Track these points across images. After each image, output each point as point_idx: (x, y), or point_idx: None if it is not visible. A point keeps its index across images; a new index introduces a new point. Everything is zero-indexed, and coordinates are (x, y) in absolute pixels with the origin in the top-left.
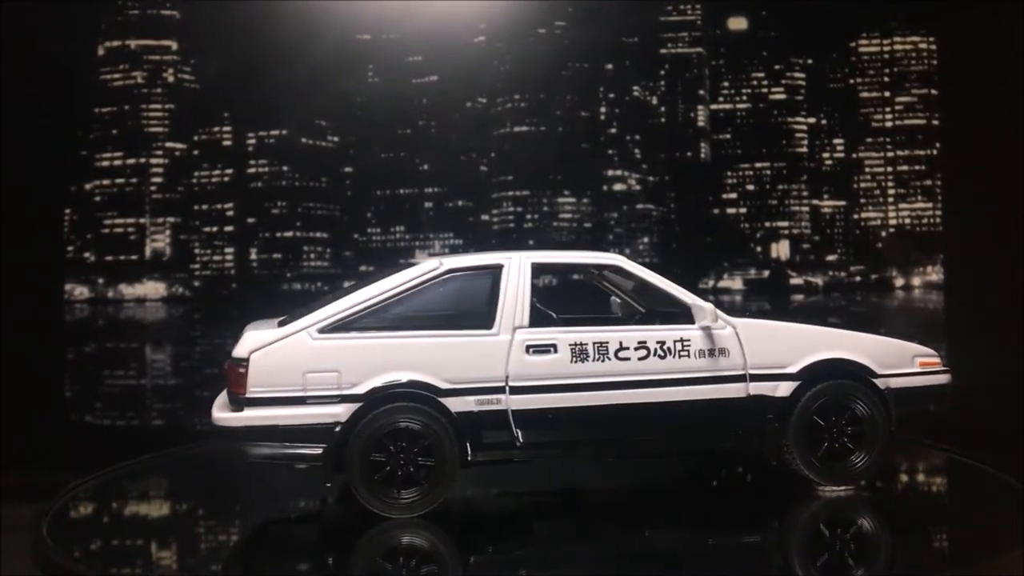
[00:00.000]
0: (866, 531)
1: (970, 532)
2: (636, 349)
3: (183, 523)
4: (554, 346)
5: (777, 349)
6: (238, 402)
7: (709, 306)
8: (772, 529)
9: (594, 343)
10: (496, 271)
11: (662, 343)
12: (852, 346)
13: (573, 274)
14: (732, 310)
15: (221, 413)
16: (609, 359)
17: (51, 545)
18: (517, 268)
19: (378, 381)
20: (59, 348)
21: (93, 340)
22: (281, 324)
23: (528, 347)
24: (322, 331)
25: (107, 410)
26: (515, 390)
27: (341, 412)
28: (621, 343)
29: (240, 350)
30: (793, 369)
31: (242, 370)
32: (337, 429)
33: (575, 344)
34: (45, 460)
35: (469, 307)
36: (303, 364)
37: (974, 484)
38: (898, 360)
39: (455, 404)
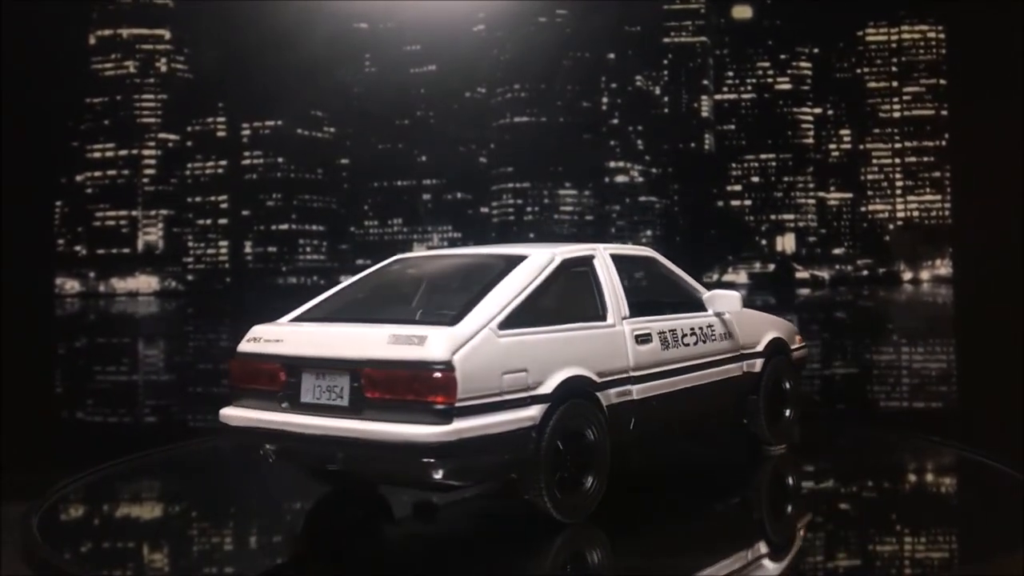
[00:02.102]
0: (869, 529)
1: (977, 529)
2: (691, 335)
3: (175, 522)
4: (650, 335)
5: (751, 331)
6: (438, 414)
7: (736, 294)
8: (773, 528)
9: (670, 331)
10: (589, 262)
11: (702, 328)
12: (777, 326)
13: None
14: None
15: (422, 429)
16: (679, 345)
17: (41, 544)
18: (603, 258)
19: (559, 378)
20: (49, 343)
21: (84, 335)
22: (297, 320)
23: (636, 336)
24: (500, 327)
25: (98, 407)
26: (634, 380)
27: (536, 414)
28: (683, 330)
29: (439, 352)
30: (760, 348)
31: (440, 375)
32: (534, 433)
33: (662, 332)
34: (35, 458)
35: (571, 298)
36: (499, 364)
37: (982, 480)
38: (792, 336)
39: (604, 398)
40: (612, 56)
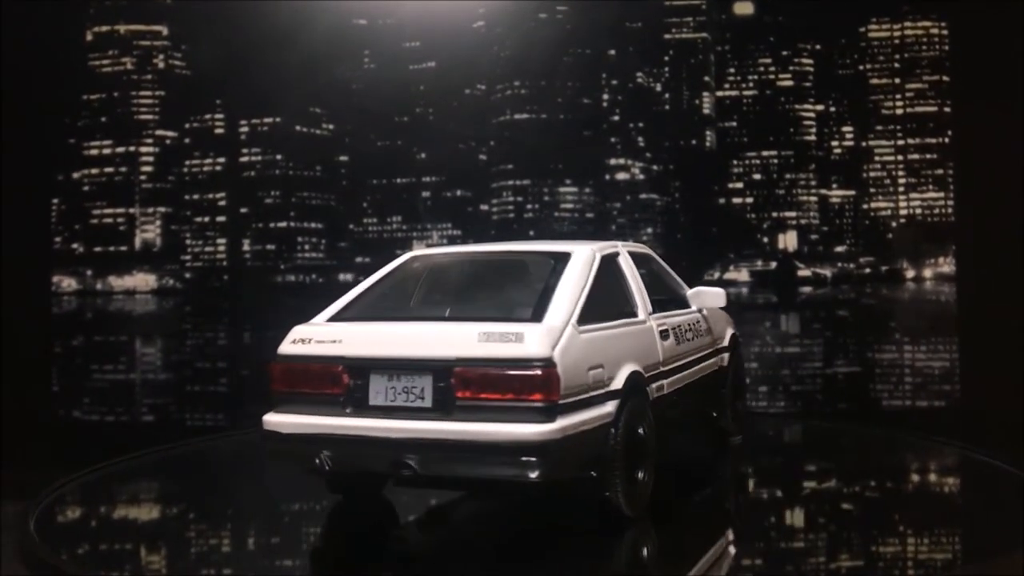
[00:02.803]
0: (870, 528)
1: (979, 528)
2: (690, 331)
3: (172, 522)
4: (668, 331)
5: (718, 326)
6: (541, 412)
7: (721, 290)
8: (774, 527)
9: (678, 327)
10: (616, 259)
11: (695, 324)
12: (729, 320)
13: None
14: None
15: (527, 428)
16: (684, 341)
17: (39, 543)
18: (625, 255)
19: (625, 373)
20: (46, 342)
21: (81, 333)
22: (334, 320)
23: (660, 332)
24: (577, 324)
25: (96, 405)
26: (662, 375)
27: (612, 410)
28: (684, 326)
29: (540, 349)
30: (726, 342)
31: (543, 372)
32: (612, 429)
33: (675, 328)
34: (32, 457)
35: (608, 295)
36: (585, 360)
37: (985, 479)
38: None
39: (649, 392)
40: (613, 52)
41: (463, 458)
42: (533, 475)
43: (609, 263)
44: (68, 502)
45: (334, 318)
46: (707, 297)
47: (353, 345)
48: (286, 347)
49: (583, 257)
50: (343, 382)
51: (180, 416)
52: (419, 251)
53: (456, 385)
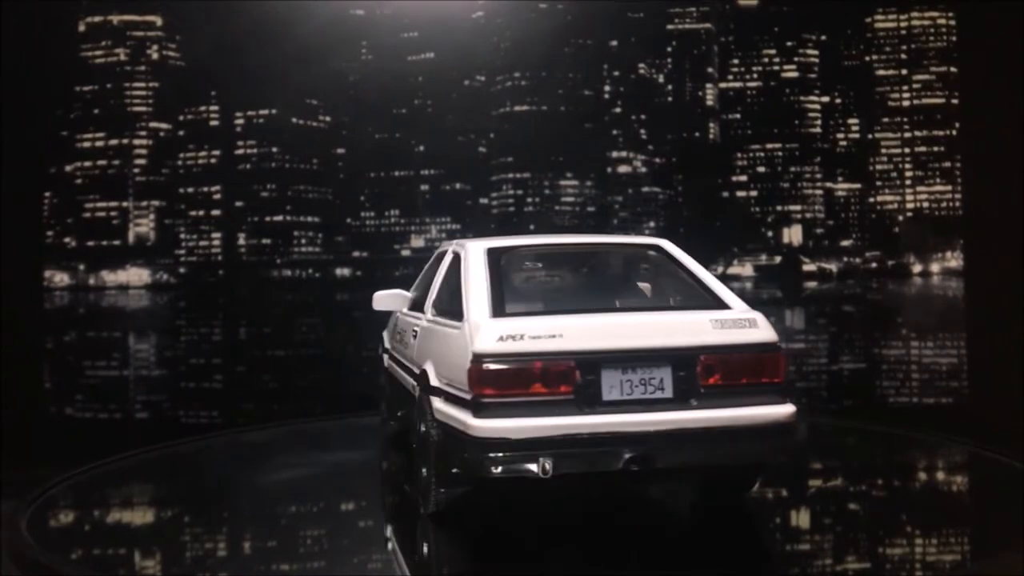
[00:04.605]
0: (875, 526)
1: (986, 526)
2: None
3: (166, 521)
4: None
5: None
6: (780, 393)
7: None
8: (776, 526)
9: None
10: None
11: None
12: None
13: None
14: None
15: (780, 409)
16: None
17: (31, 542)
18: None
19: None
20: (38, 337)
21: (74, 329)
22: (503, 315)
23: None
24: None
25: (88, 403)
26: None
27: None
28: None
29: (771, 334)
30: None
31: (778, 355)
32: None
33: None
34: (24, 455)
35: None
36: None
37: (993, 476)
38: None
39: None
40: (615, 43)
41: (711, 445)
42: (781, 455)
43: None
44: (61, 501)
45: (501, 313)
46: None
47: (579, 339)
48: (492, 345)
49: (677, 248)
50: (574, 379)
51: (174, 414)
52: (483, 242)
53: (701, 373)
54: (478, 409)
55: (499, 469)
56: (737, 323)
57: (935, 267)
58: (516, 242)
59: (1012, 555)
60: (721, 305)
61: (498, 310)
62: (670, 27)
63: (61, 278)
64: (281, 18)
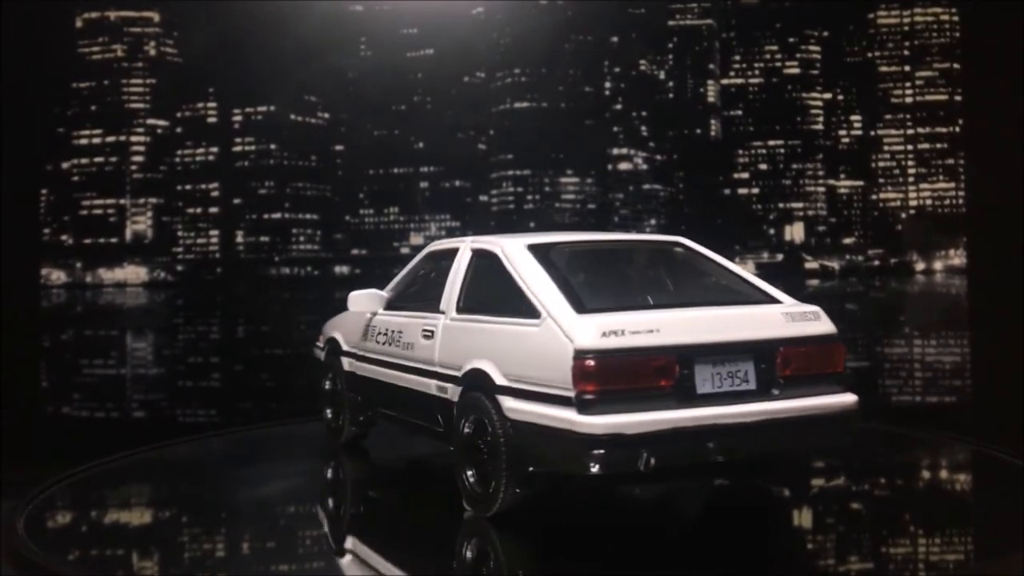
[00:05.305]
0: (876, 525)
1: (988, 525)
2: None
3: (164, 521)
4: None
5: None
6: (841, 382)
7: None
8: (776, 526)
9: None
10: None
11: None
12: None
13: None
14: None
15: (848, 397)
16: None
17: (27, 543)
18: None
19: None
20: (35, 336)
21: (71, 327)
22: (588, 311)
23: None
24: None
25: (86, 402)
26: None
27: None
28: None
29: (831, 326)
30: None
31: (842, 345)
32: None
33: None
34: (20, 455)
35: None
36: None
37: (996, 476)
38: None
39: None
40: (615, 39)
41: (791, 435)
42: (848, 441)
43: None
44: (58, 501)
45: (584, 309)
46: None
47: (675, 333)
48: (596, 341)
49: (697, 244)
50: (673, 373)
51: (172, 413)
52: (515, 239)
53: (780, 365)
54: (584, 406)
55: (600, 466)
56: (804, 316)
57: (938, 265)
58: (552, 239)
59: (1015, 554)
60: (770, 298)
61: (580, 306)
62: (671, 23)
63: (58, 276)
64: (280, 14)
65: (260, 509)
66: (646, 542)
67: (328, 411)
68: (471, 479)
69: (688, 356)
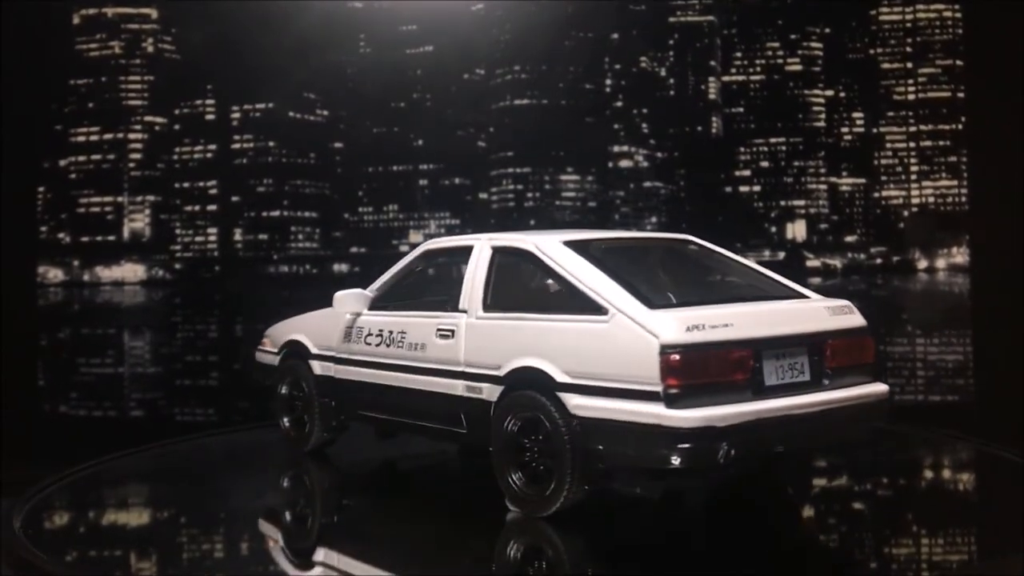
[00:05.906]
0: (879, 525)
1: (989, 524)
2: None
3: (162, 521)
4: None
5: None
6: (875, 372)
7: None
8: (776, 525)
9: None
10: None
11: None
12: None
13: None
14: None
15: (882, 386)
16: None
17: (24, 543)
18: None
19: None
20: (32, 334)
21: (68, 326)
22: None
23: None
24: None
25: (83, 401)
26: None
27: None
28: None
29: (863, 318)
30: None
31: (868, 337)
32: None
33: None
34: (17, 454)
35: None
36: None
37: (998, 475)
38: None
39: None
40: (616, 36)
41: (841, 423)
42: (880, 427)
43: None
44: (55, 501)
45: (654, 305)
46: None
47: (747, 327)
48: (681, 335)
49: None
50: (748, 366)
51: (169, 412)
52: (549, 236)
53: (828, 356)
54: (672, 400)
55: (683, 459)
56: (841, 310)
57: (940, 263)
58: (584, 236)
59: (1016, 554)
60: (798, 293)
61: (649, 302)
62: (672, 20)
63: (55, 274)
64: (278, 10)
65: (258, 509)
66: (647, 542)
67: (286, 419)
68: (518, 480)
69: (759, 349)
